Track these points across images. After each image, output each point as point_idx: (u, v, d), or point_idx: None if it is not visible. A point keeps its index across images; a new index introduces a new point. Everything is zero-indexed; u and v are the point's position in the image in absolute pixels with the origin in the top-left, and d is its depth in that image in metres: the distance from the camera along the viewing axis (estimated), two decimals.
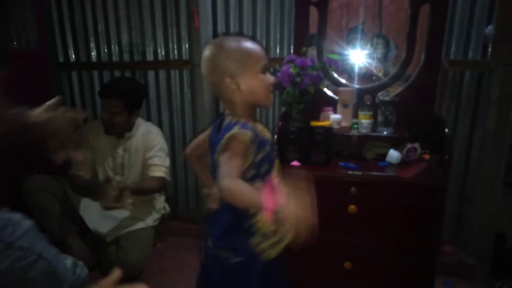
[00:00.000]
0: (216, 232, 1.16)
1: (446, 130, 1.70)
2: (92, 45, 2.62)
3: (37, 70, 2.49)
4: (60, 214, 1.99)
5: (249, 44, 1.07)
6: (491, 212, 2.01)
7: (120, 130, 2.05)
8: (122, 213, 2.04)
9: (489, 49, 1.92)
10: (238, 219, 1.10)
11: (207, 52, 1.08)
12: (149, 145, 2.06)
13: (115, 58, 2.59)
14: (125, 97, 1.97)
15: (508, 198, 2.06)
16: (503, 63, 1.84)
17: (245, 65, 1.04)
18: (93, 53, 2.63)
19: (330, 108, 1.96)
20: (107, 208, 1.85)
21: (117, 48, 2.58)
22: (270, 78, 1.09)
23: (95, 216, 2.01)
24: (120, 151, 2.09)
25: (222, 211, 1.15)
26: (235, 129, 1.01)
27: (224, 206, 1.11)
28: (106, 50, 2.60)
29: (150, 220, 2.11)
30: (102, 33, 2.57)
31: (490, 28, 1.91)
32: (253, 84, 1.06)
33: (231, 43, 1.06)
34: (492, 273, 2.07)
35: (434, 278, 1.72)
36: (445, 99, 2.02)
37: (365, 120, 1.81)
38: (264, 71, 1.08)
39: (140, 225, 2.04)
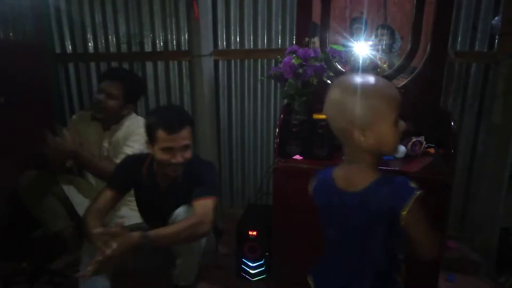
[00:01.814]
0: None
1: (452, 123, 1.66)
2: (89, 36, 2.56)
3: (33, 61, 2.43)
4: (56, 210, 1.94)
5: (385, 89, 0.92)
6: (496, 207, 1.98)
7: (107, 117, 1.96)
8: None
9: (496, 41, 1.87)
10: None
11: (335, 93, 0.95)
12: (128, 136, 1.95)
13: (112, 49, 2.54)
14: (128, 84, 1.95)
15: None
16: (510, 55, 1.80)
17: (379, 116, 0.89)
18: (90, 44, 2.58)
19: None
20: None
21: (114, 39, 2.52)
22: (402, 126, 0.94)
23: (84, 200, 1.96)
24: (105, 144, 2.02)
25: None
26: (416, 190, 0.92)
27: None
28: (103, 41, 2.55)
29: None
30: (99, 24, 2.51)
31: (497, 19, 1.86)
32: (384, 136, 0.91)
33: (366, 86, 0.91)
34: (496, 269, 2.05)
35: (438, 274, 1.69)
36: (451, 91, 1.98)
37: None
38: (398, 120, 0.92)
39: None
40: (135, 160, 1.66)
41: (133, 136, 1.92)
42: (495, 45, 1.87)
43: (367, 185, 0.95)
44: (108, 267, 1.28)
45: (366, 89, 0.91)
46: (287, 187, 1.69)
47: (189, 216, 1.45)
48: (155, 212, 1.63)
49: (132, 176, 1.62)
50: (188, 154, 1.49)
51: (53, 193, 1.96)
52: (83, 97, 2.68)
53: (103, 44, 2.55)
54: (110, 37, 2.53)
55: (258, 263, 1.97)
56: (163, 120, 1.46)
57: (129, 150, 1.87)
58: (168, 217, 1.53)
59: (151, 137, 1.49)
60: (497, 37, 1.86)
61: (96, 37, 2.55)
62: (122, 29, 2.48)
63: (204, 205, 1.45)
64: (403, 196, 0.92)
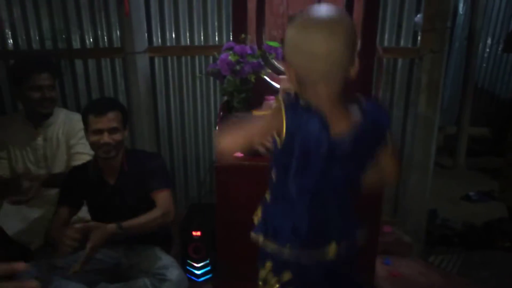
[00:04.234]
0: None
1: None
2: (7, 31, 2.33)
3: None
4: None
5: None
6: (424, 191, 2.13)
7: (52, 108, 1.91)
8: (36, 214, 1.85)
9: (419, 37, 2.01)
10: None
11: (323, 31, 0.86)
12: (71, 132, 1.91)
13: (35, 45, 2.34)
14: (54, 69, 1.91)
15: (438, 177, 2.21)
16: (431, 50, 1.94)
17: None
18: (10, 41, 2.35)
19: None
20: (14, 202, 1.74)
21: (37, 34, 2.33)
22: None
23: (17, 223, 1.81)
24: (39, 141, 1.91)
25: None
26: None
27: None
28: (24, 37, 2.34)
29: None
30: (18, 18, 2.30)
31: (419, 16, 2.00)
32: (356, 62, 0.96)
33: (343, 16, 0.91)
34: (426, 249, 2.22)
35: (375, 258, 1.79)
36: (381, 85, 2.10)
37: None
38: None
39: None
40: (79, 168, 1.71)
41: (77, 131, 1.88)
42: (418, 41, 2.01)
43: (353, 125, 0.93)
44: (90, 259, 1.41)
45: (345, 17, 0.90)
46: (229, 184, 1.68)
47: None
48: (110, 212, 1.59)
49: (80, 184, 1.64)
50: (117, 137, 1.56)
51: None
52: (5, 99, 2.44)
53: (25, 40, 2.34)
54: (32, 32, 2.32)
55: (204, 263, 1.95)
56: (92, 104, 1.62)
57: (82, 148, 1.87)
58: (123, 216, 1.51)
59: (84, 124, 1.58)
60: (419, 33, 1.99)
61: (15, 33, 2.33)
62: (46, 24, 2.30)
63: (165, 197, 1.60)
64: (386, 117, 0.99)
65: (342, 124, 0.92)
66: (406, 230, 2.23)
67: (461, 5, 3.52)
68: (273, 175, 1.02)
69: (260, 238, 1.05)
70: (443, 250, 2.24)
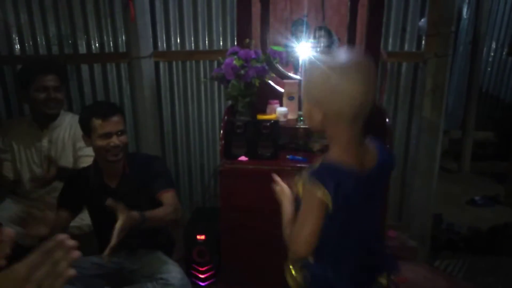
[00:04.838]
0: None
1: (387, 120, 1.76)
2: (15, 36, 2.36)
3: None
4: None
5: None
6: (429, 196, 2.12)
7: (59, 110, 1.94)
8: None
9: (423, 42, 2.01)
10: None
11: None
12: (78, 135, 1.88)
13: (42, 50, 2.37)
14: (60, 70, 1.93)
15: (443, 182, 2.20)
16: (436, 55, 1.94)
17: None
18: (17, 46, 2.38)
19: (276, 101, 1.95)
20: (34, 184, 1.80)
21: (44, 40, 2.35)
22: None
23: (16, 226, 1.82)
24: (45, 143, 1.93)
25: None
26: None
27: None
28: (31, 42, 2.36)
29: None
30: (25, 24, 2.33)
31: (423, 21, 2.00)
32: None
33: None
34: (431, 253, 2.20)
35: None
36: (385, 89, 2.10)
37: None
38: None
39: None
40: (80, 171, 1.70)
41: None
42: (422, 45, 2.01)
43: (376, 159, 0.97)
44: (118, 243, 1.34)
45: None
46: (233, 188, 1.69)
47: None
48: (110, 217, 1.54)
49: (80, 188, 1.63)
50: (124, 139, 1.57)
51: None
52: (11, 103, 2.47)
53: (31, 46, 2.37)
54: (39, 38, 2.35)
55: (207, 266, 1.95)
56: (95, 109, 1.57)
57: (89, 151, 1.81)
58: None
59: (86, 130, 1.55)
60: (423, 38, 2.00)
61: (22, 38, 2.36)
62: (52, 29, 2.32)
63: (171, 196, 1.59)
64: (393, 157, 1.07)
65: (369, 161, 0.96)
66: (411, 235, 2.22)
67: (465, 10, 3.51)
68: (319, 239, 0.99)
69: None
70: (449, 255, 2.23)
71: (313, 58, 0.95)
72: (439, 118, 2.00)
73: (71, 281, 1.48)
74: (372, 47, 1.91)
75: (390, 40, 2.05)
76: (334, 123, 0.93)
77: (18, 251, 1.68)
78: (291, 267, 1.09)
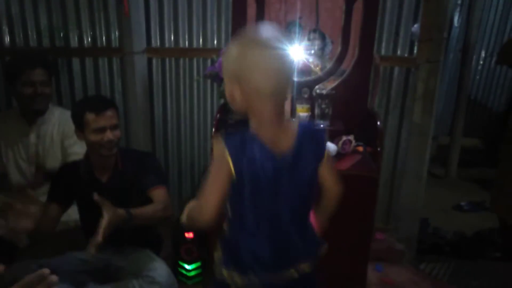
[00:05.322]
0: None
1: (378, 123, 1.77)
2: (5, 27, 2.32)
3: None
4: None
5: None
6: (417, 200, 2.15)
7: (46, 105, 1.90)
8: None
9: (415, 47, 2.03)
10: None
11: (268, 54, 0.91)
12: (68, 132, 1.88)
13: (32, 43, 2.33)
14: (48, 64, 1.90)
15: (430, 187, 2.23)
16: (427, 60, 1.97)
17: None
18: (7, 37, 2.34)
19: None
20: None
21: (35, 32, 2.32)
22: None
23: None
24: (32, 138, 1.90)
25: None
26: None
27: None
28: (21, 34, 2.32)
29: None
30: (16, 15, 2.29)
31: (416, 26, 2.03)
32: None
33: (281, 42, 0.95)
34: (417, 257, 2.23)
35: (367, 264, 1.80)
36: (377, 93, 2.12)
37: (302, 113, 1.82)
38: None
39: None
40: (69, 165, 1.68)
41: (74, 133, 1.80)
42: (415, 51, 2.03)
43: (293, 141, 0.97)
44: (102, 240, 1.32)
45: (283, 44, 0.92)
46: None
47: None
48: (100, 212, 1.53)
49: (70, 181, 1.61)
50: (118, 133, 1.56)
51: None
52: None
53: (22, 38, 2.33)
54: (30, 30, 2.31)
55: (195, 264, 1.94)
56: (89, 103, 1.55)
57: (79, 148, 1.83)
58: None
59: (79, 124, 1.53)
60: (416, 43, 2.02)
61: (13, 29, 2.32)
62: (44, 21, 2.29)
63: (162, 192, 1.59)
64: (322, 133, 1.06)
65: (284, 142, 0.97)
66: (398, 238, 2.24)
67: (456, 18, 3.57)
68: (228, 210, 1.03)
69: (224, 272, 1.04)
70: (434, 258, 2.26)
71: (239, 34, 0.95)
72: (429, 123, 2.02)
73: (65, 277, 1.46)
74: (366, 51, 1.93)
75: (383, 44, 2.08)
76: (252, 99, 0.93)
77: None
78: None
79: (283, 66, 0.92)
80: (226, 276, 1.03)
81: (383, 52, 2.08)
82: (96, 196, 1.34)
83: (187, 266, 1.93)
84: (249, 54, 0.90)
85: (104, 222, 1.31)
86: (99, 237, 1.30)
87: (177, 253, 1.94)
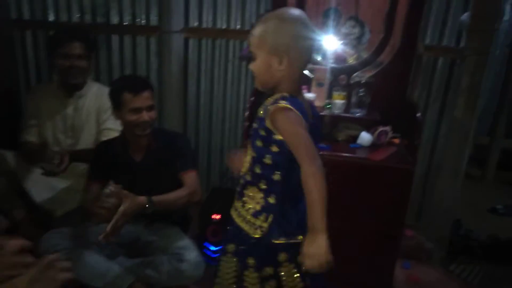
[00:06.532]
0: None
1: (418, 115, 1.70)
2: (49, 2, 2.38)
3: None
4: (4, 188, 1.82)
5: None
6: (452, 200, 2.06)
7: (82, 79, 1.93)
8: (64, 185, 1.90)
9: (463, 37, 1.92)
10: None
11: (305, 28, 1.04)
12: (103, 107, 1.92)
13: (75, 18, 2.38)
14: (87, 39, 1.92)
15: (465, 187, 2.13)
16: (475, 52, 1.86)
17: None
18: (51, 12, 2.40)
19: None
20: (45, 173, 1.78)
21: (77, 7, 2.36)
22: None
23: (44, 190, 1.85)
24: (70, 111, 1.95)
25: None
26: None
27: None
28: (65, 9, 2.38)
29: None
30: None
31: (465, 15, 1.91)
32: None
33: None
34: (448, 257, 2.15)
35: (396, 260, 1.75)
36: (418, 84, 2.03)
37: (339, 101, 1.78)
38: None
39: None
40: (106, 143, 1.71)
41: (109, 108, 1.81)
42: (462, 41, 1.92)
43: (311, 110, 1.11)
44: (119, 229, 1.37)
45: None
46: None
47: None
48: (133, 190, 1.53)
49: (107, 159, 1.64)
50: (153, 114, 1.58)
51: (1, 172, 1.83)
52: (41, 68, 2.50)
53: (65, 13, 2.38)
54: (73, 6, 2.36)
55: (221, 246, 1.95)
56: (127, 83, 1.57)
57: (112, 124, 1.88)
58: (146, 194, 1.49)
59: (117, 103, 1.55)
60: (464, 33, 1.91)
61: (57, 4, 2.37)
62: None
63: (192, 177, 1.61)
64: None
65: (306, 104, 1.09)
66: (428, 236, 2.17)
67: (507, 10, 3.36)
68: (277, 177, 1.07)
69: (282, 240, 1.09)
70: (465, 260, 2.17)
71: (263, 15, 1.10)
72: (471, 119, 1.92)
73: (88, 247, 1.51)
74: (410, 40, 1.85)
75: (428, 33, 1.97)
76: (296, 69, 1.05)
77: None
78: (248, 217, 1.12)
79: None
80: (283, 243, 1.09)
81: (428, 40, 1.98)
82: (112, 186, 1.39)
83: (212, 247, 1.95)
84: (297, 28, 1.02)
85: (121, 210, 1.35)
86: (109, 228, 1.33)
87: (203, 234, 1.95)
